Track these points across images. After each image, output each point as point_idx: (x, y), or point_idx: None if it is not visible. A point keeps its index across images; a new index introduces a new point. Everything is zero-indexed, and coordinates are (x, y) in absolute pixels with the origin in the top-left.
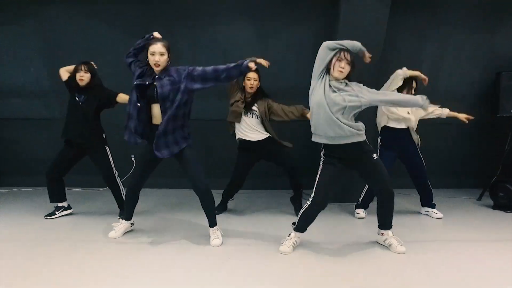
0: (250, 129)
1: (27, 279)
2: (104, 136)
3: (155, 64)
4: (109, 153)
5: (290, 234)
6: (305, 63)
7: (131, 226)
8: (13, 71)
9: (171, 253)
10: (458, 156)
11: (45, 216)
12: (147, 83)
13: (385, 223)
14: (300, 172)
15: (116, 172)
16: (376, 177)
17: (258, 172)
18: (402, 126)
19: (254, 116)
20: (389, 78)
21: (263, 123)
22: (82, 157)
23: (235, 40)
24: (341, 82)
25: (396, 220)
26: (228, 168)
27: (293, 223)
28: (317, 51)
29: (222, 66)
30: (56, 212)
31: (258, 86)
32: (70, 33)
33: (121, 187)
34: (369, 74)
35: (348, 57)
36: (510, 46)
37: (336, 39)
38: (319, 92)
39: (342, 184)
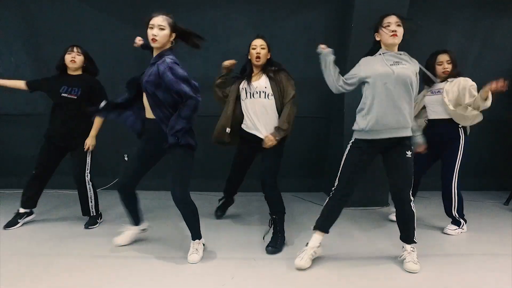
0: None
1: None
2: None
3: (152, 39)
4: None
5: (307, 244)
6: (316, 51)
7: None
8: None
9: (161, 271)
10: (480, 155)
11: (5, 226)
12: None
13: (403, 236)
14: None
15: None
16: (397, 174)
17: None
18: None
19: (265, 96)
20: None
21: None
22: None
23: (237, 25)
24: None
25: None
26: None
27: (314, 227)
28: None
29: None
30: (19, 220)
31: (269, 57)
32: (54, 18)
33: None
34: None
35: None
36: None
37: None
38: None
39: (364, 185)
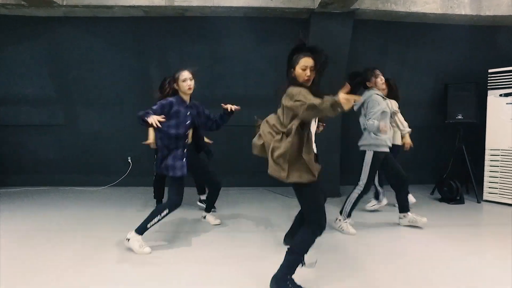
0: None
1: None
2: None
3: (189, 88)
4: None
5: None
6: (281, 74)
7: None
8: (22, 82)
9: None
10: (417, 156)
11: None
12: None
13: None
14: None
15: None
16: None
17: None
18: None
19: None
20: None
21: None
22: None
23: (223, 54)
24: None
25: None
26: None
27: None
28: None
29: (212, 116)
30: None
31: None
32: (73, 49)
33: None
34: (336, 83)
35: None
36: (454, 62)
37: None
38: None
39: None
